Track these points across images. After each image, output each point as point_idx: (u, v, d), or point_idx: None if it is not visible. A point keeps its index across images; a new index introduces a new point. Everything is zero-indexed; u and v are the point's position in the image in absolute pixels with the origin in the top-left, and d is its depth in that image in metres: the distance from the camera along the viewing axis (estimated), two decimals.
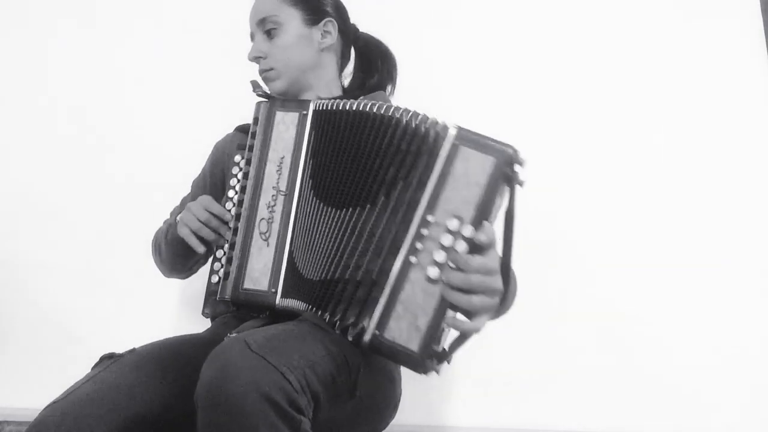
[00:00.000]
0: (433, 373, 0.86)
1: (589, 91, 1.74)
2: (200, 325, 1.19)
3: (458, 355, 1.58)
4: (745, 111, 1.71)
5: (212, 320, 1.20)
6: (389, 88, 1.31)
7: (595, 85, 1.74)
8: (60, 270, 1.71)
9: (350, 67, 1.33)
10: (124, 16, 1.86)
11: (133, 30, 1.85)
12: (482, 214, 0.86)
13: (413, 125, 0.91)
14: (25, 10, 1.88)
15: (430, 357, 0.85)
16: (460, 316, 0.86)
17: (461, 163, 0.87)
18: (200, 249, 1.06)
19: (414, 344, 0.85)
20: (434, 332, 0.85)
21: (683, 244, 1.64)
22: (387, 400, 1.07)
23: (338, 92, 1.27)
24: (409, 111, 0.93)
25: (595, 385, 1.58)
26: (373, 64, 1.30)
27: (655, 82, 1.73)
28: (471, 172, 0.87)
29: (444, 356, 0.87)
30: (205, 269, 1.24)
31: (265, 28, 1.20)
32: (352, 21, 1.31)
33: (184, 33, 1.84)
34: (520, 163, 0.86)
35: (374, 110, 0.94)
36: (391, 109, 0.93)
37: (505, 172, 0.86)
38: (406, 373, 1.13)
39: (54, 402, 0.86)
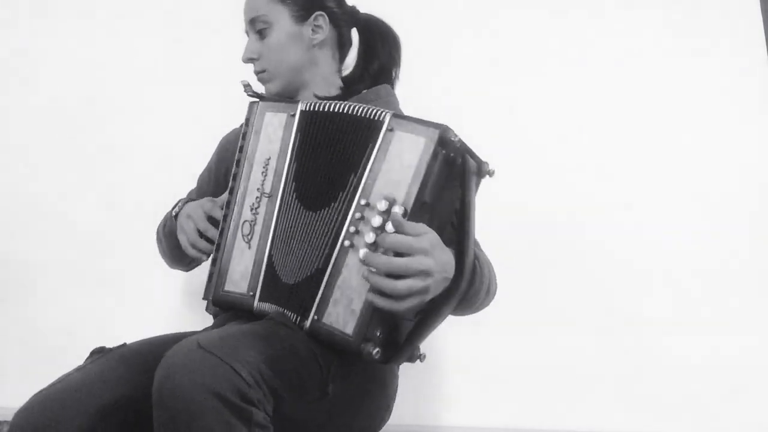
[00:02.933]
0: (370, 357, 0.85)
1: (590, 91, 1.73)
2: (202, 323, 1.19)
3: (458, 355, 1.60)
4: (745, 111, 1.70)
5: (214, 317, 1.21)
6: (394, 71, 1.26)
7: (596, 84, 1.74)
8: (59, 269, 1.71)
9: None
10: (125, 13, 1.86)
11: (134, 26, 1.85)
12: (418, 194, 0.85)
13: (369, 119, 0.93)
14: (26, 9, 1.88)
15: (366, 340, 0.85)
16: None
17: (395, 146, 0.89)
18: (202, 257, 1.07)
19: (349, 327, 0.85)
20: (370, 315, 0.85)
21: (683, 243, 1.64)
22: (376, 403, 1.05)
23: (337, 87, 1.24)
24: (373, 109, 0.93)
25: (595, 385, 1.58)
26: (373, 47, 1.25)
27: (655, 83, 1.73)
28: (404, 155, 0.87)
29: (405, 349, 0.88)
30: (206, 266, 1.25)
31: (256, 28, 1.18)
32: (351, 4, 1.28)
33: (187, 28, 1.83)
34: (454, 140, 0.86)
35: (355, 112, 0.94)
36: (366, 110, 0.94)
37: (437, 150, 0.85)
38: (404, 373, 1.14)
39: (40, 391, 0.89)
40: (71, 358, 1.26)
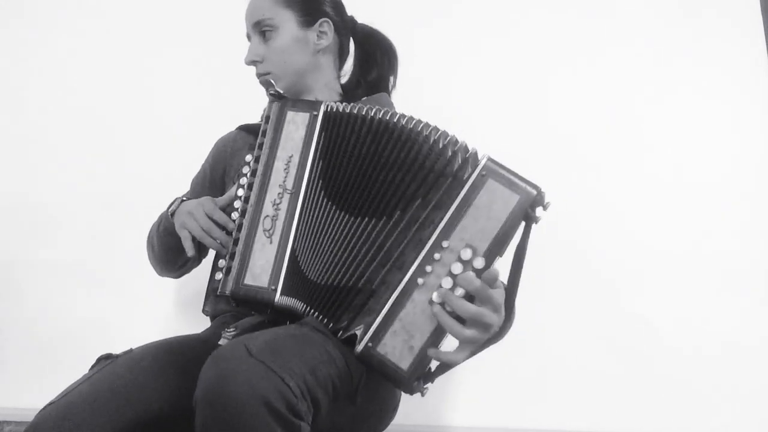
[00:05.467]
0: (418, 393, 0.87)
1: (591, 91, 1.74)
2: (198, 325, 1.19)
3: None
4: (745, 111, 1.71)
5: (212, 319, 1.20)
6: (391, 80, 1.28)
7: (597, 85, 1.75)
8: (59, 270, 1.71)
9: (350, 62, 1.31)
10: (124, 15, 1.86)
11: (134, 28, 1.85)
12: (496, 249, 0.85)
13: (440, 145, 0.92)
14: (29, 7, 1.88)
15: (417, 379, 0.86)
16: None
17: (485, 195, 0.87)
18: (191, 252, 1.06)
19: (405, 363, 0.85)
20: (426, 355, 0.85)
21: (683, 243, 1.64)
22: (387, 403, 1.06)
23: (338, 93, 1.25)
24: (438, 130, 0.93)
25: (596, 385, 1.58)
26: (372, 57, 1.28)
27: (656, 83, 1.74)
28: (493, 206, 0.87)
29: (429, 378, 0.88)
30: (200, 270, 1.25)
31: (261, 30, 1.18)
32: (350, 14, 1.29)
33: (186, 30, 1.84)
34: (544, 206, 0.87)
35: (394, 120, 0.95)
36: (414, 123, 0.94)
37: (526, 211, 0.86)
38: None
39: (50, 404, 0.86)
40: (69, 358, 1.27)
